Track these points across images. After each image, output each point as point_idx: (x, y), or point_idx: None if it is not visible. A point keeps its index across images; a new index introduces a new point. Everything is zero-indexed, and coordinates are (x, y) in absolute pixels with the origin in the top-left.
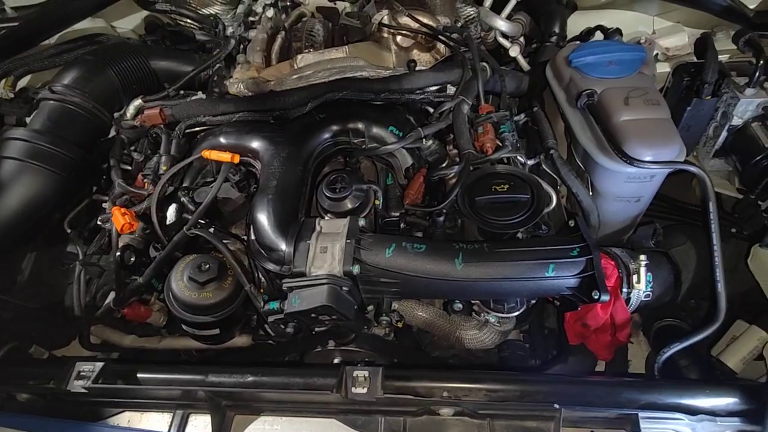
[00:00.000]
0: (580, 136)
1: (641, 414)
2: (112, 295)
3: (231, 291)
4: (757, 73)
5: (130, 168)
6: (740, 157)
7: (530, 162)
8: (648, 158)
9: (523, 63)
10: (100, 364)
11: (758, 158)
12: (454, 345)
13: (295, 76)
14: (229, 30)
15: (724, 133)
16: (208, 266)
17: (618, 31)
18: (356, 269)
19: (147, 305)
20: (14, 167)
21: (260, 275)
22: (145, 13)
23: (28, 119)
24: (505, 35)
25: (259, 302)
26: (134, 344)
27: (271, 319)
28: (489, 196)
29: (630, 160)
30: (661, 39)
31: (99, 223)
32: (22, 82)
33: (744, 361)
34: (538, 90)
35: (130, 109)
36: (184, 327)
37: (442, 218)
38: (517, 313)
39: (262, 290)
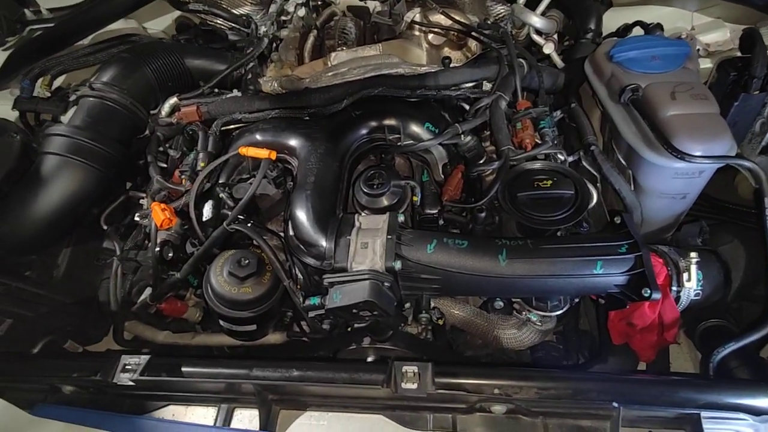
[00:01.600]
0: (624, 132)
1: (704, 414)
2: (147, 291)
3: (269, 286)
4: None
5: (166, 165)
6: None
7: (569, 158)
8: (698, 153)
9: (558, 60)
10: (146, 357)
11: None
12: (490, 344)
13: (330, 74)
14: (262, 29)
15: None
16: (247, 261)
17: (659, 26)
18: (398, 265)
19: (183, 301)
20: (56, 162)
21: (297, 271)
22: (177, 13)
23: (63, 117)
24: (539, 32)
25: (298, 298)
26: (168, 340)
27: (311, 314)
28: (531, 192)
29: (680, 155)
30: (702, 35)
31: (137, 219)
32: (58, 82)
33: None
34: (575, 86)
35: (166, 107)
36: (221, 322)
37: (483, 214)
38: (559, 312)
39: (299, 287)
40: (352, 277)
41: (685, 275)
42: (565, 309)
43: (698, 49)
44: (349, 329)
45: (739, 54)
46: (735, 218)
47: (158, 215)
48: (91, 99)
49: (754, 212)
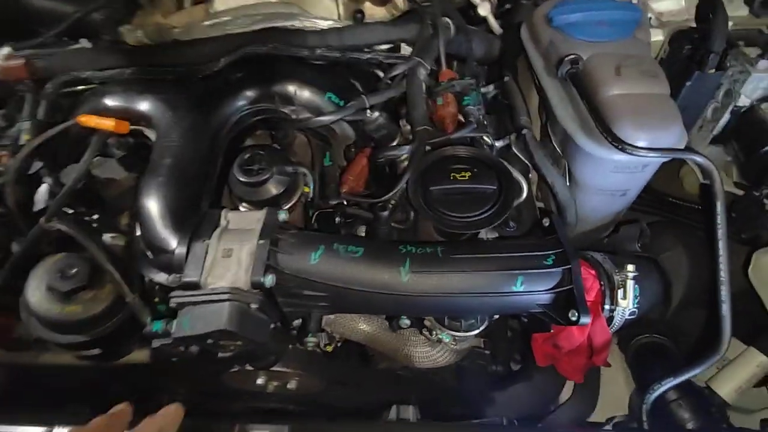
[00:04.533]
0: (559, 113)
1: None
2: None
3: (111, 301)
4: None
5: None
6: (744, 146)
7: (498, 143)
8: (642, 143)
9: (495, 24)
10: None
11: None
12: (401, 362)
13: (208, 23)
14: None
15: (726, 116)
16: (75, 270)
17: None
18: (269, 280)
19: (9, 313)
20: None
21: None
22: None
23: None
24: None
25: (146, 317)
26: (5, 359)
27: (155, 344)
28: (447, 186)
29: (621, 146)
30: (654, 1)
31: None
32: None
33: (739, 390)
34: (511, 57)
35: None
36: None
37: (386, 213)
38: (476, 332)
39: (156, 300)
40: (207, 297)
41: (620, 292)
42: (482, 328)
43: (649, 18)
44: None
45: (694, 25)
46: (679, 215)
47: None
48: None
49: (699, 209)
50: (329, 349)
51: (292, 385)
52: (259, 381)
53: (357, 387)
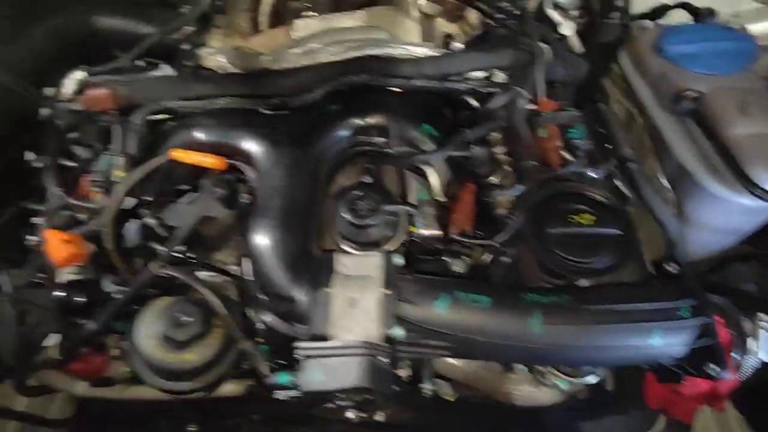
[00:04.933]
0: (676, 150)
1: None
2: (54, 337)
3: (220, 346)
4: None
5: (71, 164)
6: None
7: (598, 175)
8: None
9: (578, 44)
10: None
11: None
12: (499, 399)
13: (297, 50)
14: None
15: None
16: (189, 320)
17: (711, 13)
18: (400, 333)
19: (103, 351)
20: None
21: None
22: None
23: None
24: (558, 6)
25: (264, 367)
26: (89, 393)
27: (281, 396)
28: (567, 229)
29: (758, 191)
30: (750, 24)
31: (29, 241)
32: None
33: None
34: (597, 79)
35: (69, 84)
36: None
37: (507, 259)
38: (595, 380)
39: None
40: (338, 351)
41: (752, 341)
42: (602, 376)
43: None
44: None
45: None
46: None
47: (58, 250)
48: None
49: None
50: (450, 398)
51: (380, 417)
52: (349, 414)
53: (446, 416)
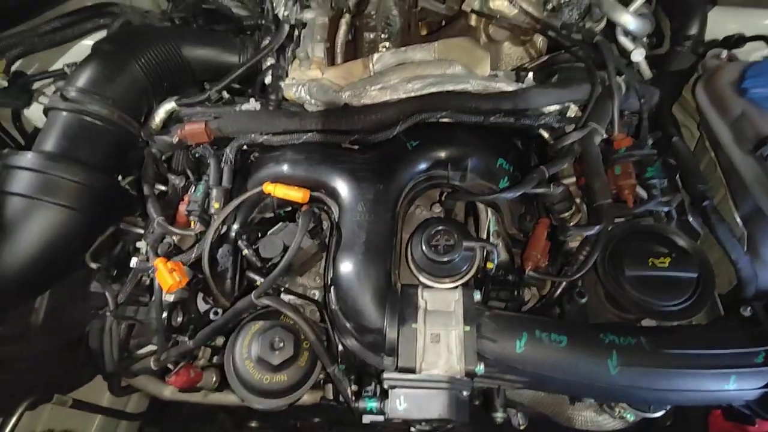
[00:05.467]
0: (756, 192)
1: None
2: (150, 347)
3: (307, 368)
4: None
5: (165, 189)
6: None
7: (673, 213)
8: None
9: (647, 71)
10: None
11: None
12: (561, 423)
13: (377, 86)
14: (281, 11)
15: None
16: (282, 344)
17: None
18: (481, 369)
19: (194, 363)
20: (22, 206)
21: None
22: None
23: (26, 112)
24: (629, 34)
25: (348, 392)
26: (175, 397)
27: (367, 420)
28: (645, 272)
29: None
30: None
31: (134, 265)
32: (17, 66)
33: None
34: (668, 108)
35: (161, 113)
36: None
37: (584, 299)
38: (661, 414)
39: (339, 361)
40: (423, 384)
41: None
42: (668, 408)
43: None
44: None
45: None
46: None
47: (165, 279)
48: (64, 114)
49: None
50: (522, 427)
51: None
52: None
53: None
